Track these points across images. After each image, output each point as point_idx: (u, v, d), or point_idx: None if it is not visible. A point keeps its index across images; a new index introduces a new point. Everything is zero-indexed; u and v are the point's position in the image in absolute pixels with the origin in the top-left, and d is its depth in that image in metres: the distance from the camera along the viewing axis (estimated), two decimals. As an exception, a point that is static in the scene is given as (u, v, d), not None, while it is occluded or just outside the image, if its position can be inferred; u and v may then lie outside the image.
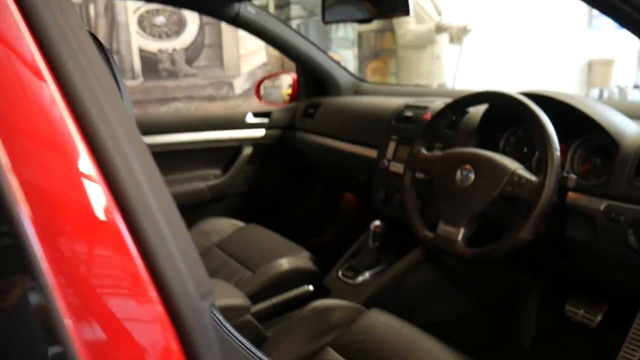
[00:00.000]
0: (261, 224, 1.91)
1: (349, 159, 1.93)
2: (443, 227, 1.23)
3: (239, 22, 1.88)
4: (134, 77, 3.88)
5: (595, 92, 5.61)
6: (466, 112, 1.47)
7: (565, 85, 5.41)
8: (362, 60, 4.58)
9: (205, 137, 2.10)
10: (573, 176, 1.14)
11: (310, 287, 1.58)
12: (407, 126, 1.66)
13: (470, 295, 1.71)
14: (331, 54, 4.61)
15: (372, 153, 1.78)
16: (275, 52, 4.52)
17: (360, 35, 4.57)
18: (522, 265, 1.60)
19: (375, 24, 4.57)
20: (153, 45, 3.93)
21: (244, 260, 1.68)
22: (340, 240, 1.93)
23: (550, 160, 1.10)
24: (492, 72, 4.51)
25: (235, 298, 1.36)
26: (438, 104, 1.66)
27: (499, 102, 1.30)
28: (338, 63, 2.30)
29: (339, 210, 2.45)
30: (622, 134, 1.18)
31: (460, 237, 1.19)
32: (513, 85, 1.52)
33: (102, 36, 3.69)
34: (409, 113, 1.70)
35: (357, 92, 2.29)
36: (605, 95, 5.51)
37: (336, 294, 1.57)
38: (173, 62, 3.96)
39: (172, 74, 4.01)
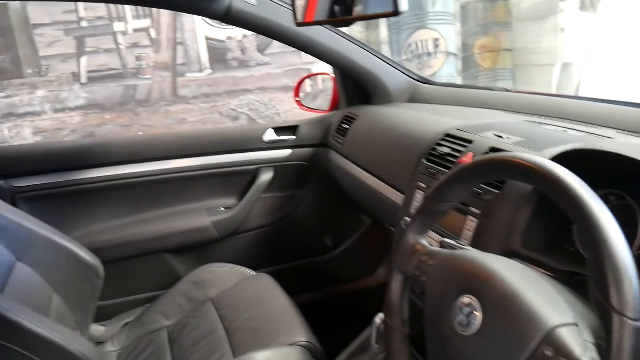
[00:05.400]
0: (284, 265, 1.63)
1: (375, 201, 1.42)
2: None
3: (230, 17, 1.41)
4: (201, 69, 3.60)
5: None
6: None
7: None
8: (468, 36, 3.81)
9: (213, 161, 1.70)
10: None
11: None
12: (441, 171, 1.10)
13: None
14: (426, 32, 3.94)
15: (400, 199, 1.26)
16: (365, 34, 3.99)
17: (464, 7, 3.79)
18: None
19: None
20: (221, 33, 3.60)
21: (232, 330, 1.34)
22: None
23: (614, 326, 0.51)
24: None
25: None
26: (488, 136, 1.07)
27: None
28: (389, 60, 1.74)
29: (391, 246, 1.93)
30: None
31: None
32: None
33: (165, 26, 3.46)
34: (445, 148, 1.13)
35: (413, 98, 1.72)
36: None
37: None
38: (243, 50, 3.60)
39: (243, 64, 3.65)
